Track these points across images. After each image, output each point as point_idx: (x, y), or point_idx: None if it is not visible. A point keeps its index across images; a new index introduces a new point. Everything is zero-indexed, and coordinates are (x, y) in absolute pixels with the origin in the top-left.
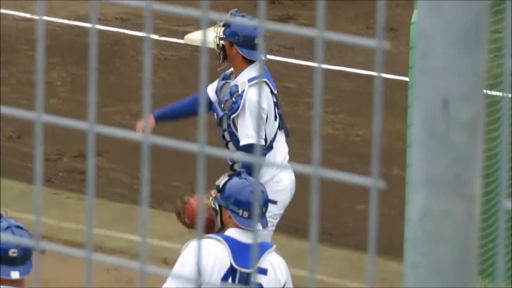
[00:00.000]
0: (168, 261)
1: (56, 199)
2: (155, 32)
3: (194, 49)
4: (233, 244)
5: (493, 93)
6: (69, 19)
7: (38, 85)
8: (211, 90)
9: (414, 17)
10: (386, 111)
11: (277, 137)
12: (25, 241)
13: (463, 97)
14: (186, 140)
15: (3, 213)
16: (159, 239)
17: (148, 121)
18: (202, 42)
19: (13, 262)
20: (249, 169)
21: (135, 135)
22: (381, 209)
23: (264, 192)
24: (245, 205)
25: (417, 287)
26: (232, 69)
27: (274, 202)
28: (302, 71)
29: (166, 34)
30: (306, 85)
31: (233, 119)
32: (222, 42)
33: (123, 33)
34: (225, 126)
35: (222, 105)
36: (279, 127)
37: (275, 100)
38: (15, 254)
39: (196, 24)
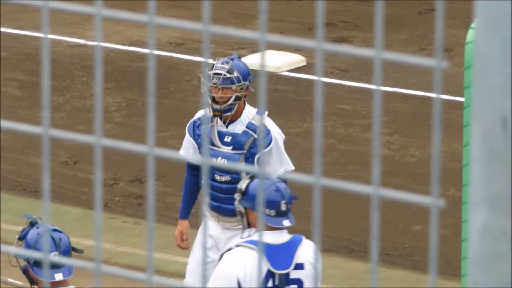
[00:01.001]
0: None
1: (113, 224)
2: (211, 56)
3: None
4: (266, 248)
5: None
6: (123, 44)
7: (97, 109)
8: (188, 152)
9: (469, 37)
10: (441, 131)
11: None
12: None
13: None
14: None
15: (38, 219)
16: None
17: (184, 225)
18: (260, 66)
19: (56, 265)
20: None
21: (193, 158)
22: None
23: (287, 189)
24: (271, 203)
25: None
26: (201, 112)
27: None
28: (356, 93)
29: (221, 58)
30: (361, 107)
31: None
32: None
33: (177, 58)
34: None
35: (241, 146)
36: None
37: None
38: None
39: (250, 48)
